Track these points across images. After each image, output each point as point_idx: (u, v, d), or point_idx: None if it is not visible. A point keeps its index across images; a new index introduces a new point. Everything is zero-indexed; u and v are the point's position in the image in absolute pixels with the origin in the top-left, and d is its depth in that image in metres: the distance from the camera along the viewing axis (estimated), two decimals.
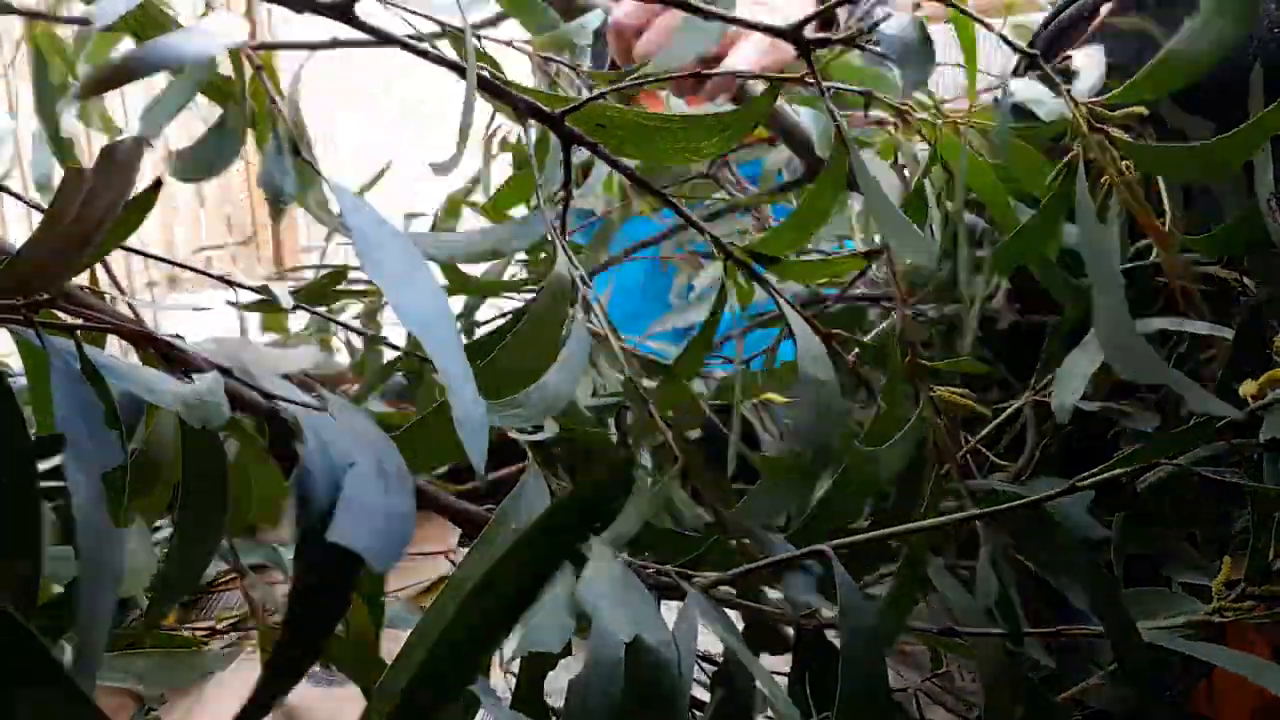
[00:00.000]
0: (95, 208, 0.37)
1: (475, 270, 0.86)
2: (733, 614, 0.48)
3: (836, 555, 0.44)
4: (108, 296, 0.65)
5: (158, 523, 0.62)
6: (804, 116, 0.63)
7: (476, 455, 0.34)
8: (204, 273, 0.77)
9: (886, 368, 0.57)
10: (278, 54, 0.83)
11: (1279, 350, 0.51)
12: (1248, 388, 0.49)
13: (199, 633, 0.63)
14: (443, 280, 0.69)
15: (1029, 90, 0.61)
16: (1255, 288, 0.58)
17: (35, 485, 0.33)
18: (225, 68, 0.59)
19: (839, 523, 0.52)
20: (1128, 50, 0.72)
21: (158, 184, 0.41)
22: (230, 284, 0.73)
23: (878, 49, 0.53)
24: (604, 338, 0.56)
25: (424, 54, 0.61)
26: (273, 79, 0.56)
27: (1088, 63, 0.65)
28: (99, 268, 0.67)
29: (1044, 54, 0.64)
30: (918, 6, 0.52)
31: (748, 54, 0.83)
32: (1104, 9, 0.72)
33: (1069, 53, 0.66)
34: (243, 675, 0.61)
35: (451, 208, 0.92)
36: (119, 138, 0.36)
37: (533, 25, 0.81)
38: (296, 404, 0.34)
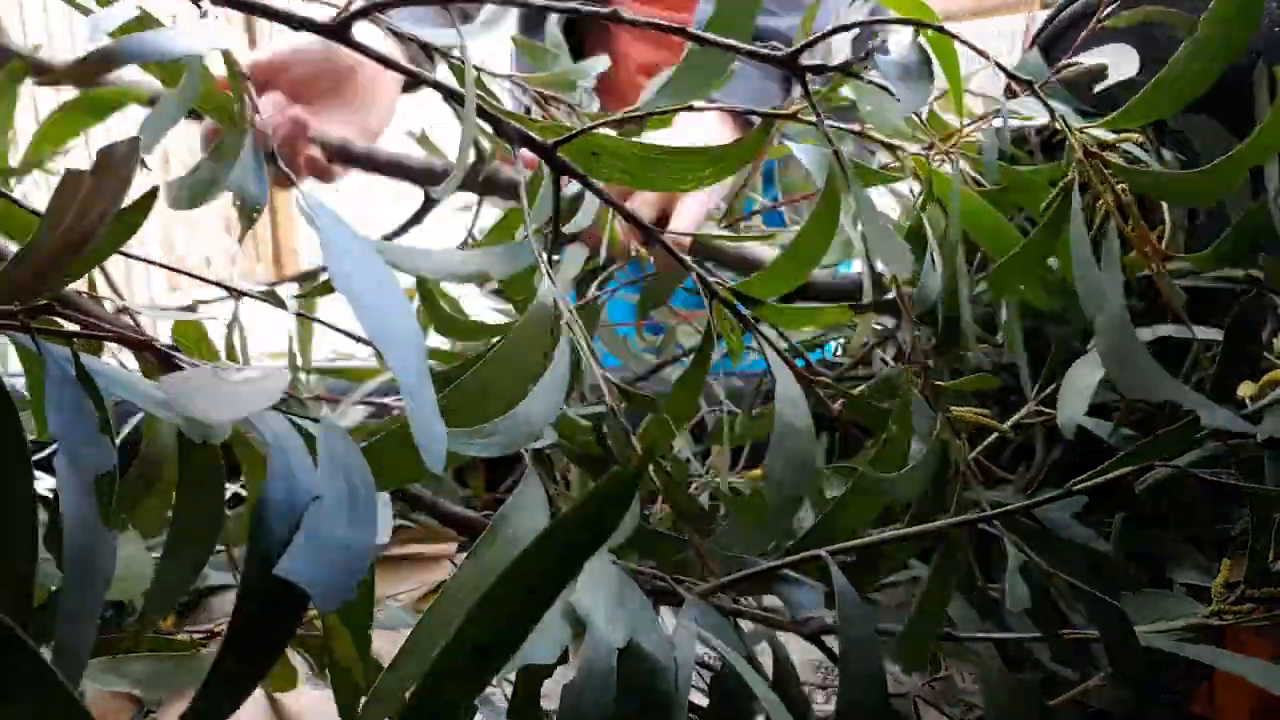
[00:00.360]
0: (92, 211, 0.37)
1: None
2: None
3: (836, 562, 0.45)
4: (107, 303, 0.65)
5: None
6: (799, 152, 0.63)
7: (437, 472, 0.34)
8: (203, 279, 0.77)
9: (898, 393, 0.57)
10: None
11: None
12: (1246, 389, 0.49)
13: (197, 636, 0.62)
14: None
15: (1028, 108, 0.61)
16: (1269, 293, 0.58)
17: (31, 487, 0.33)
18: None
19: (836, 540, 0.52)
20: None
21: (153, 192, 0.41)
22: (229, 290, 0.73)
23: (874, 79, 0.53)
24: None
25: (421, 78, 0.62)
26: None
27: (1119, 58, 0.66)
28: (98, 273, 0.67)
29: (1044, 52, 0.65)
30: (918, 34, 0.52)
31: (692, 212, 0.85)
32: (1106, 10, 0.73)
33: (1079, 58, 0.66)
34: None
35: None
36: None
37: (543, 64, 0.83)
38: (285, 413, 0.34)
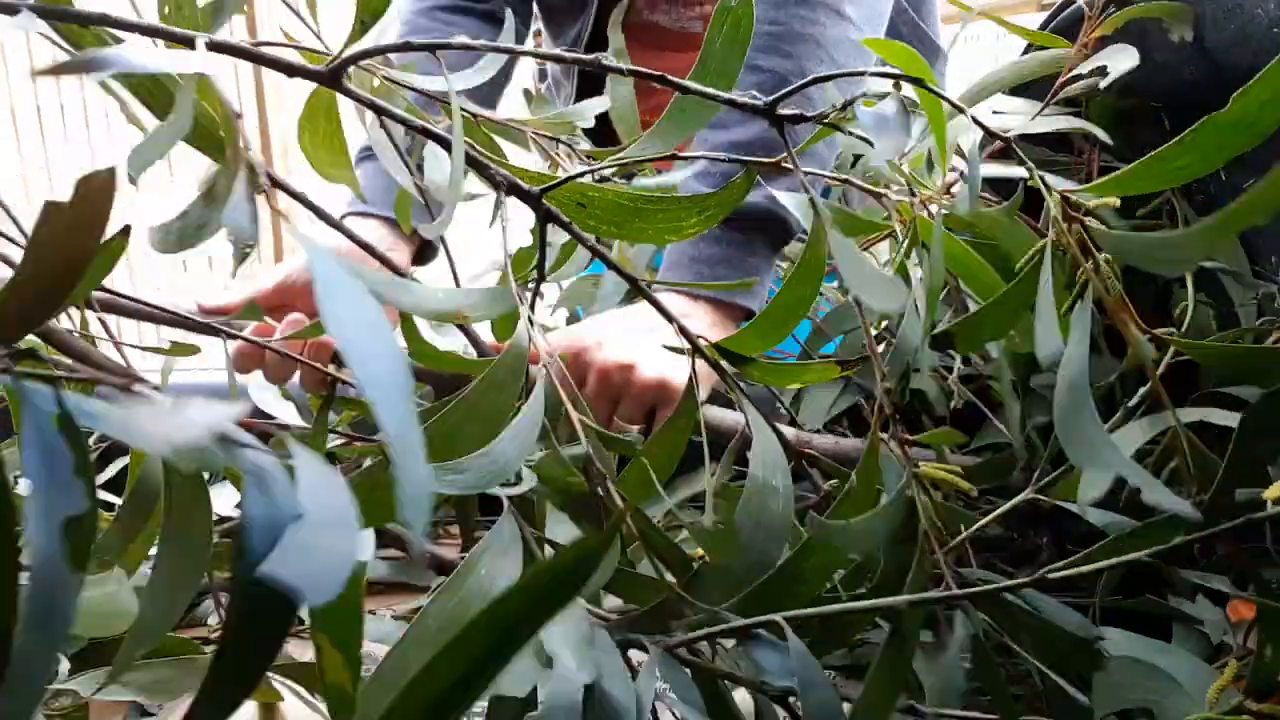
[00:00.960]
0: (74, 244, 0.37)
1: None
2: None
3: (794, 627, 0.45)
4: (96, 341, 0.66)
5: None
6: (784, 198, 0.64)
7: (417, 528, 0.33)
8: (187, 317, 0.77)
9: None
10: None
11: None
12: (1274, 491, 0.48)
13: (195, 640, 0.62)
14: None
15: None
16: None
17: (12, 533, 0.33)
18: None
19: (798, 594, 0.52)
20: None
21: (126, 230, 0.41)
22: (216, 330, 0.74)
23: (853, 130, 0.54)
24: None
25: (410, 125, 0.62)
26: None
27: (1119, 57, 0.65)
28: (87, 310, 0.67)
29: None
30: (898, 86, 0.53)
31: None
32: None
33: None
34: None
35: None
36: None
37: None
38: (252, 446, 0.33)
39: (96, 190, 0.37)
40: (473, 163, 0.61)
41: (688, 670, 0.49)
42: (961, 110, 0.52)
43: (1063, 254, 0.54)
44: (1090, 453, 0.46)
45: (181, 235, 0.58)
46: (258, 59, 0.58)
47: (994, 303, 0.54)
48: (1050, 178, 0.54)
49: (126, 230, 0.42)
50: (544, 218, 0.61)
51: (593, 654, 0.42)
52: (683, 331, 0.62)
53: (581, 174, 0.60)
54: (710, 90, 0.56)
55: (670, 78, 0.56)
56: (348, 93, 0.60)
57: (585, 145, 0.80)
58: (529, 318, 0.56)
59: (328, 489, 0.31)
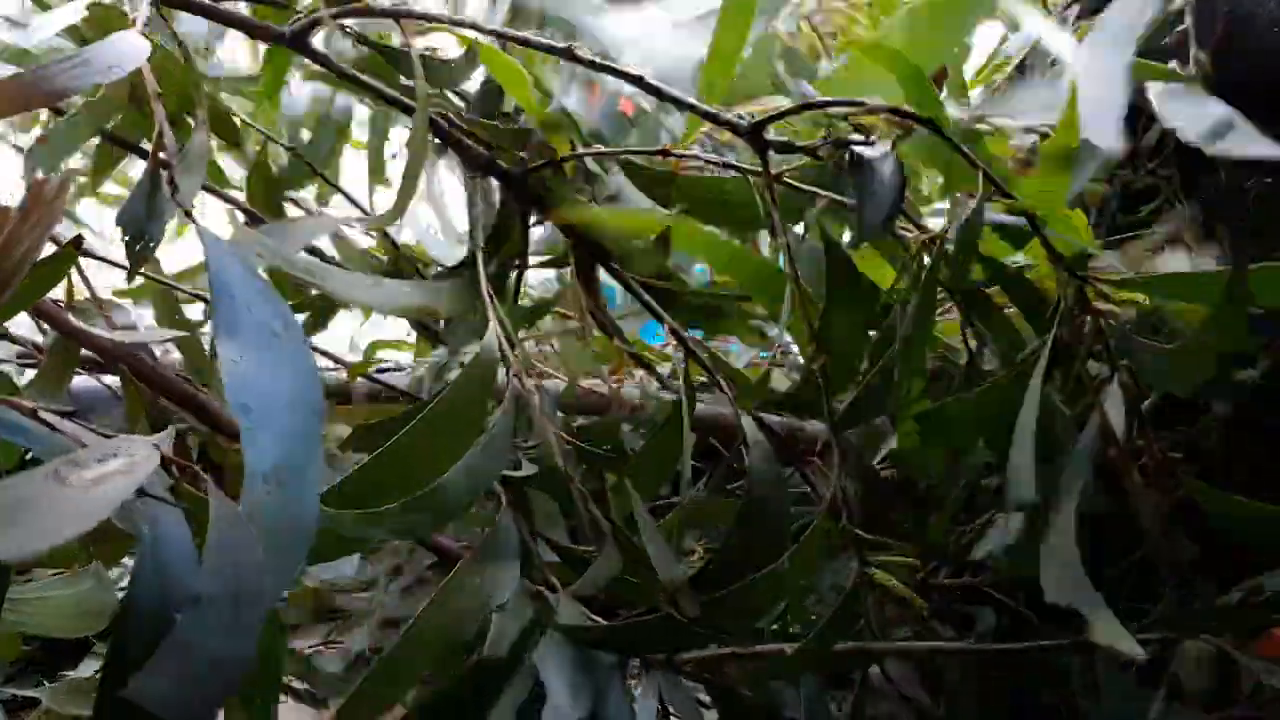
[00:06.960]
0: (17, 251, 0.38)
1: None
2: None
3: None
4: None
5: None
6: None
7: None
8: (175, 287, 0.78)
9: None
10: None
11: None
12: None
13: None
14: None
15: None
16: None
17: None
18: None
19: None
20: None
21: (78, 240, 0.42)
22: (205, 300, 0.74)
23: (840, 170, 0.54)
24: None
25: (373, 90, 0.62)
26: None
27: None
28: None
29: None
30: (908, 132, 0.52)
31: None
32: None
33: None
34: None
35: None
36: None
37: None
38: (156, 498, 0.33)
39: (49, 197, 0.37)
40: (444, 137, 0.61)
41: (688, 684, 0.51)
42: (974, 164, 0.51)
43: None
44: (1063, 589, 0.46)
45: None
46: (214, 15, 0.58)
47: (958, 402, 0.52)
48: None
49: (78, 241, 0.42)
50: (527, 203, 0.60)
51: (589, 680, 0.43)
52: (673, 332, 0.62)
53: (570, 158, 0.60)
54: (692, 102, 0.55)
55: (650, 82, 0.56)
56: (313, 55, 0.60)
57: None
58: (500, 319, 0.54)
59: (241, 563, 0.30)
